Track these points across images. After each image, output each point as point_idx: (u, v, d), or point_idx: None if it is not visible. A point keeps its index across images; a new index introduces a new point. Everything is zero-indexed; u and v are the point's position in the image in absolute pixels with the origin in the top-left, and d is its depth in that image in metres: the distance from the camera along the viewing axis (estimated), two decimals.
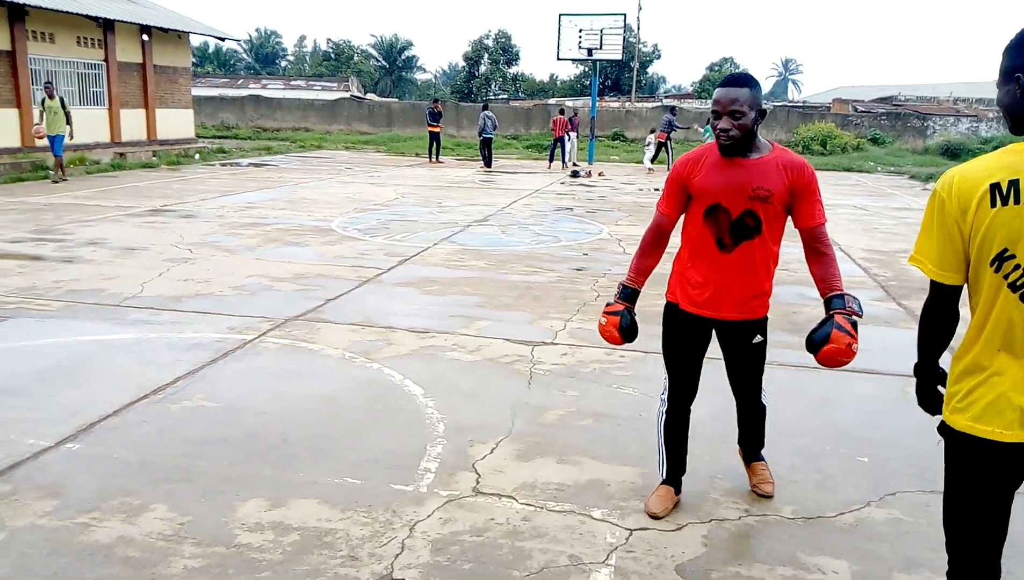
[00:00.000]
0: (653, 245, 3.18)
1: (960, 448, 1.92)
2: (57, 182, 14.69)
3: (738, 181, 2.90)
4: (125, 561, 2.86)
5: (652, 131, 24.11)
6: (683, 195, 3.05)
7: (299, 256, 8.56)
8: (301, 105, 36.50)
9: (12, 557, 2.86)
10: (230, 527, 3.10)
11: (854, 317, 2.78)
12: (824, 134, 29.07)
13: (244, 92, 40.95)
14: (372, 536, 3.06)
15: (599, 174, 20.71)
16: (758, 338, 3.14)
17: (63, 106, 14.49)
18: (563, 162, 23.03)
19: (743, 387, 3.32)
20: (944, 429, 1.97)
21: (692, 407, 3.32)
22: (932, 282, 1.92)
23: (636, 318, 3.16)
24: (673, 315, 3.18)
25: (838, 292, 2.85)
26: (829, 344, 2.71)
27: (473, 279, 7.65)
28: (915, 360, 2.09)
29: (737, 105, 2.78)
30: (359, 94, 45.44)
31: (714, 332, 3.19)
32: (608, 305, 3.17)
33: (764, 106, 2.86)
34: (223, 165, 20.54)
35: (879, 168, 24.68)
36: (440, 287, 7.28)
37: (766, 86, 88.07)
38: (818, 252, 2.98)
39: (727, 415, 4.47)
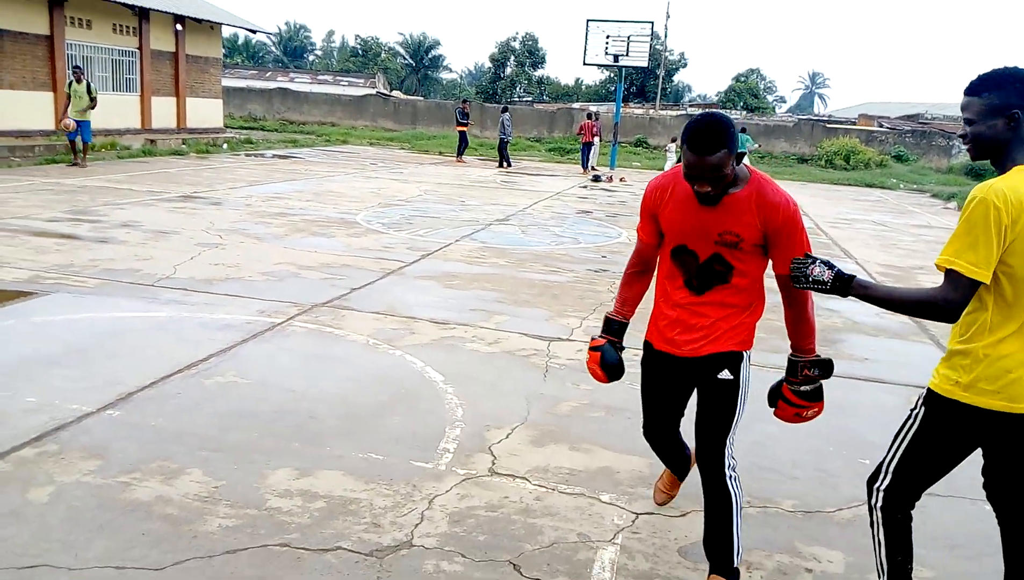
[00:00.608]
0: (636, 273, 2.91)
1: (979, 424, 2.23)
2: (81, 166, 14.91)
3: (705, 223, 2.57)
4: (165, 518, 3.07)
5: (673, 140, 24.24)
6: (655, 223, 2.75)
7: (325, 246, 8.80)
8: (328, 100, 36.93)
9: (61, 509, 3.08)
10: (261, 492, 3.31)
11: (808, 385, 2.64)
12: (848, 149, 29.07)
13: (272, 85, 41.47)
14: (394, 507, 3.26)
15: (620, 179, 20.88)
16: (725, 374, 2.66)
17: (88, 91, 14.77)
18: (584, 166, 23.23)
19: (703, 443, 2.72)
20: (958, 408, 2.25)
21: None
22: (966, 280, 2.13)
23: (623, 352, 2.91)
24: (647, 354, 2.88)
25: (797, 356, 2.67)
26: (777, 410, 2.77)
27: (493, 276, 7.84)
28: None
29: (716, 172, 2.41)
30: (385, 91, 45.83)
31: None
32: (592, 339, 2.92)
33: (740, 149, 2.52)
34: (250, 156, 20.88)
35: (901, 185, 24.65)
36: (461, 282, 7.48)
37: (792, 99, 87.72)
38: (793, 300, 2.65)
39: None
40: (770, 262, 2.64)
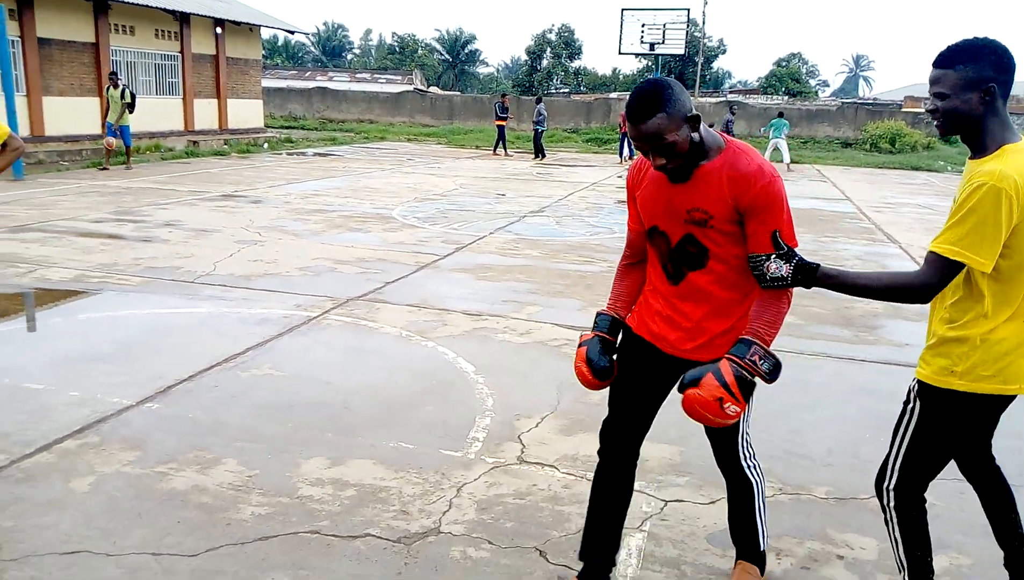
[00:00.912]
0: (628, 264, 2.64)
1: (976, 409, 2.21)
2: (107, 169, 15.10)
3: (672, 200, 2.32)
4: (200, 506, 3.15)
5: (711, 125, 23.94)
6: (636, 206, 2.51)
7: (361, 241, 8.90)
8: (366, 97, 37.28)
9: (102, 499, 3.18)
10: (293, 481, 3.38)
11: (752, 374, 2.19)
12: (893, 132, 28.41)
13: (311, 84, 41.97)
14: (422, 494, 3.30)
15: None
16: None
17: (122, 96, 15.03)
18: (620, 156, 23.12)
19: (716, 448, 2.62)
20: (955, 396, 2.20)
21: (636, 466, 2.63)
22: (954, 266, 2.08)
23: (615, 353, 2.56)
24: (625, 338, 2.59)
25: (751, 337, 2.24)
26: (695, 388, 2.19)
27: (527, 267, 7.85)
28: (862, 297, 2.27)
29: (660, 140, 2.16)
30: (422, 87, 46.08)
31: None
32: (581, 335, 2.61)
33: (693, 112, 2.20)
34: (290, 154, 21.19)
35: (949, 168, 23.99)
36: (494, 274, 7.51)
37: (836, 83, 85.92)
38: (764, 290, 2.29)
39: (770, 402, 4.59)
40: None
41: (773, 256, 2.20)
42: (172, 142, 20.24)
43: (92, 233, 8.77)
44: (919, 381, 2.28)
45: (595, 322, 2.60)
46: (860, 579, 2.87)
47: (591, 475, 3.50)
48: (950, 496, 3.45)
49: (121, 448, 3.62)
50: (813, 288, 2.21)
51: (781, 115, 22.72)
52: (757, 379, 2.20)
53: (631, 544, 3.00)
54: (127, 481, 3.32)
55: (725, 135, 2.35)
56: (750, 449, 2.61)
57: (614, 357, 2.54)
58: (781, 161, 21.91)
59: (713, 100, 37.70)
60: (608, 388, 2.57)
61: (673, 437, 3.97)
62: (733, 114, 23.34)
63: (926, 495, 2.41)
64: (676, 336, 2.40)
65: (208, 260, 7.58)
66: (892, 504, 2.39)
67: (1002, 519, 2.56)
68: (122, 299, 6.14)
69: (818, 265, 2.20)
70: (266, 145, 22.84)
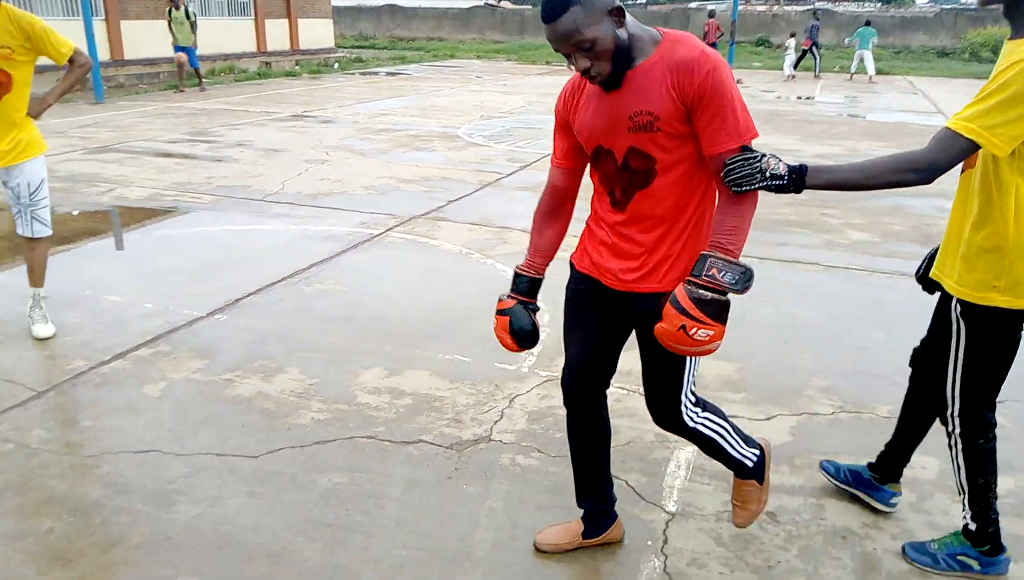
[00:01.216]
0: (549, 212, 2.35)
1: (1016, 320, 2.12)
2: (182, 91, 15.38)
3: (612, 108, 2.02)
4: (263, 411, 3.28)
5: (792, 35, 22.74)
6: (569, 135, 2.22)
7: (426, 160, 8.89)
8: (436, 14, 36.71)
9: (171, 403, 3.35)
10: (352, 389, 3.48)
11: (713, 290, 1.92)
12: (996, 40, 26.39)
13: (381, 2, 41.46)
14: (475, 404, 3.36)
15: (738, 81, 19.79)
16: None
17: (187, 16, 15.13)
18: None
19: (652, 402, 2.32)
20: (998, 312, 2.09)
21: (608, 397, 2.46)
22: (966, 144, 1.85)
23: (538, 313, 2.40)
24: (571, 277, 2.36)
25: (708, 251, 1.97)
26: (660, 322, 1.97)
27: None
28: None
29: (577, 37, 1.87)
30: (493, 1, 44.98)
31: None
32: (500, 301, 2.40)
33: (616, 3, 1.90)
34: (362, 74, 21.15)
35: None
36: None
37: None
38: (726, 191, 1.99)
39: (839, 320, 4.47)
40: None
41: (767, 154, 1.90)
42: (245, 64, 20.45)
43: (167, 153, 9.02)
44: (959, 300, 2.15)
45: (513, 283, 2.37)
46: (918, 498, 2.81)
47: (643, 390, 3.50)
48: (1020, 418, 3.32)
49: (190, 356, 3.79)
50: (804, 192, 1.93)
51: (868, 24, 21.35)
52: (728, 294, 1.94)
53: (680, 457, 2.99)
54: (195, 387, 3.48)
55: (662, 29, 2.02)
56: (695, 408, 2.31)
57: (536, 317, 2.39)
58: (865, 72, 20.70)
59: (799, 8, 35.63)
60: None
61: (732, 354, 3.90)
62: (817, 20, 22.06)
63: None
64: (621, 266, 2.15)
65: (277, 179, 7.71)
66: (958, 431, 2.29)
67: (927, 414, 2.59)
68: (195, 217, 6.33)
69: (806, 166, 1.92)
70: (336, 65, 22.84)
